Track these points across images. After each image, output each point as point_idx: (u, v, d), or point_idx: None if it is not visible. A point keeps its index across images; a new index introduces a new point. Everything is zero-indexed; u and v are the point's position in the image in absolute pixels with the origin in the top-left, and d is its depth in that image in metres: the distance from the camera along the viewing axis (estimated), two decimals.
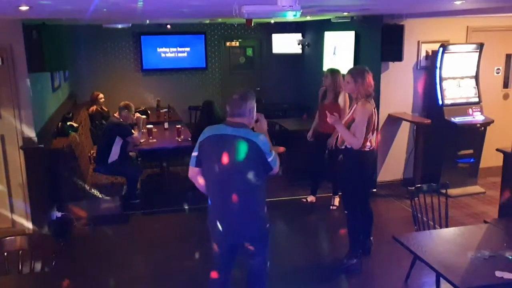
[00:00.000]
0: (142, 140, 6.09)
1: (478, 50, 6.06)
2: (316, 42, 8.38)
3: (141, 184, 6.12)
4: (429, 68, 6.19)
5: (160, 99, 8.50)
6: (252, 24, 7.02)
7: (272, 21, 8.15)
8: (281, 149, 6.23)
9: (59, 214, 5.30)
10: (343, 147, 4.11)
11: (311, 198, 5.91)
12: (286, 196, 6.21)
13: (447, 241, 3.18)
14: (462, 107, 6.05)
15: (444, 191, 3.91)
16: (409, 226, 4.19)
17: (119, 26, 7.22)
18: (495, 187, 5.90)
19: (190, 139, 6.11)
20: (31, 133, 4.96)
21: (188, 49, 9.27)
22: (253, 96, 3.02)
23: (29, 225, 5.10)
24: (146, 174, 6.81)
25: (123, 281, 4.22)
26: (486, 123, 6.04)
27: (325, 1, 4.00)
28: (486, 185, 6.29)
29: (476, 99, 6.15)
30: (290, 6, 2.77)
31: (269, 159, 2.89)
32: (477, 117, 6.07)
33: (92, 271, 4.39)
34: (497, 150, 4.63)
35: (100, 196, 5.48)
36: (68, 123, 5.86)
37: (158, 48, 9.11)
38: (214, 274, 3.13)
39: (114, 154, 5.69)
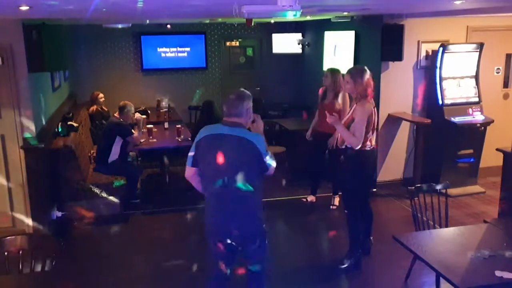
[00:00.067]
0: (142, 140, 6.10)
1: (478, 50, 6.06)
2: (316, 42, 8.38)
3: (141, 184, 6.12)
4: (429, 68, 6.19)
5: (160, 99, 8.51)
6: (252, 24, 7.03)
7: (272, 21, 8.15)
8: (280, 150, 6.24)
9: (59, 214, 5.30)
10: (343, 146, 4.11)
11: (311, 198, 5.91)
12: (286, 196, 6.21)
13: (447, 241, 3.18)
14: (462, 107, 6.05)
15: (444, 190, 3.91)
16: (409, 226, 4.18)
17: (119, 26, 7.23)
18: (495, 187, 5.90)
19: (190, 139, 6.11)
20: (31, 133, 4.96)
21: (188, 49, 9.27)
22: (249, 96, 3.02)
23: (29, 224, 5.10)
24: (146, 174, 6.81)
25: (123, 281, 4.22)
26: (486, 123, 6.04)
27: (325, 0, 4.00)
28: (486, 185, 6.29)
29: (476, 99, 6.15)
30: (290, 6, 2.77)
31: (266, 159, 2.89)
32: (477, 117, 6.07)
33: (92, 271, 4.39)
34: (497, 150, 4.64)
35: (100, 196, 5.48)
36: (68, 123, 5.86)
37: (158, 48, 9.11)
38: (212, 273, 3.14)
39: (114, 154, 5.69)
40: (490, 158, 5.82)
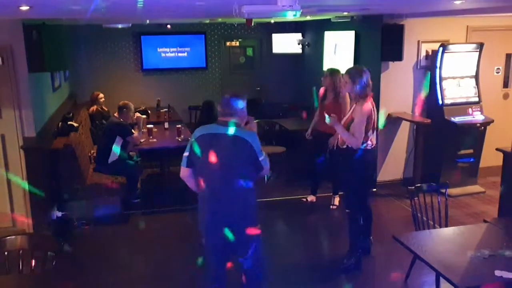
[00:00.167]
0: (142, 140, 6.10)
1: (478, 50, 6.06)
2: (316, 41, 8.38)
3: (141, 184, 6.12)
4: (429, 68, 6.19)
5: (160, 99, 8.51)
6: (252, 24, 7.02)
7: (272, 21, 8.15)
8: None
9: (59, 214, 5.30)
10: (344, 146, 4.12)
11: (311, 198, 5.91)
12: (286, 196, 6.21)
13: (447, 241, 3.18)
14: (462, 107, 6.05)
15: (444, 190, 3.92)
16: (409, 226, 4.18)
17: (119, 26, 7.22)
18: (495, 187, 5.90)
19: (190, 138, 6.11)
20: (31, 133, 4.96)
21: (188, 49, 9.27)
22: (244, 96, 3.04)
23: (29, 224, 5.10)
24: (146, 174, 6.81)
25: (123, 281, 4.22)
26: (486, 123, 6.04)
27: (325, 1, 4.00)
28: (486, 185, 6.29)
29: (476, 99, 6.16)
30: (290, 6, 2.77)
31: (261, 159, 2.90)
32: (477, 117, 6.07)
33: (92, 271, 4.39)
34: (497, 149, 4.64)
35: (100, 196, 5.48)
36: (68, 123, 5.86)
37: (158, 48, 9.11)
38: (207, 274, 3.14)
39: (114, 154, 5.69)
40: (490, 158, 5.82)
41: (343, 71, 4.84)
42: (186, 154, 3.00)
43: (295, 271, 4.29)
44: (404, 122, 6.30)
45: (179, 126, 6.42)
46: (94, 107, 7.44)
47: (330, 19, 7.03)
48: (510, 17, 6.04)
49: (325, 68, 7.33)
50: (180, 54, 9.25)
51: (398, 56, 5.91)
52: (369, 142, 4.02)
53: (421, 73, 6.28)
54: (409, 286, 3.98)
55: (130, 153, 6.18)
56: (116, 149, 5.65)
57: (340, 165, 4.34)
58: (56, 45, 5.20)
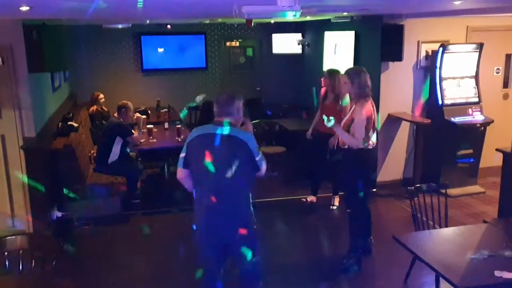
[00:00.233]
0: (142, 140, 6.10)
1: (478, 50, 6.07)
2: (316, 42, 8.38)
3: (141, 184, 6.13)
4: (429, 68, 6.20)
5: (160, 99, 8.51)
6: (252, 24, 7.03)
7: (272, 21, 8.16)
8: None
9: (59, 214, 5.30)
10: (345, 146, 4.13)
11: (311, 198, 5.91)
12: (286, 196, 6.21)
13: (446, 241, 3.19)
14: (462, 107, 6.05)
15: (443, 191, 3.92)
16: (409, 226, 4.19)
17: (119, 26, 7.23)
18: (495, 187, 5.90)
19: None
20: (31, 133, 4.96)
21: (188, 49, 9.27)
22: (240, 96, 3.02)
23: (29, 225, 5.10)
24: (146, 174, 6.82)
25: (123, 281, 4.23)
26: (486, 123, 6.04)
27: (325, 1, 4.00)
28: (486, 185, 6.29)
29: (476, 99, 6.16)
30: (289, 6, 2.77)
31: (257, 159, 2.90)
32: (477, 117, 6.07)
33: (92, 271, 4.39)
34: (497, 150, 4.64)
35: (100, 196, 5.49)
36: (68, 123, 5.87)
37: (158, 48, 9.11)
38: (203, 276, 3.14)
39: (114, 154, 5.70)
40: (490, 158, 5.82)
41: (343, 71, 4.85)
42: (182, 155, 2.99)
43: (295, 271, 4.29)
44: (404, 122, 6.30)
45: (179, 126, 6.42)
46: (94, 107, 7.44)
47: (330, 19, 7.03)
48: (510, 17, 6.04)
49: (325, 68, 7.33)
50: (180, 54, 9.25)
51: (398, 56, 5.91)
52: (370, 142, 4.03)
53: (421, 73, 6.28)
54: (409, 286, 3.98)
55: (130, 153, 6.18)
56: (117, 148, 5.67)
57: (341, 165, 4.35)
58: (56, 45, 5.20)
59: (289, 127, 7.35)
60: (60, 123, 5.85)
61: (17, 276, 2.98)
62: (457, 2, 3.80)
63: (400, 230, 4.58)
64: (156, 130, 6.59)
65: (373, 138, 4.08)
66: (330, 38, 7.57)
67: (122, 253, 4.76)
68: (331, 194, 5.83)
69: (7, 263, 2.98)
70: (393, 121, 6.30)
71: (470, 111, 6.07)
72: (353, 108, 4.07)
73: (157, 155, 6.46)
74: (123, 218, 5.55)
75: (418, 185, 3.93)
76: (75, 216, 5.34)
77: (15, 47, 4.80)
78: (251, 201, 3.02)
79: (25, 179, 4.96)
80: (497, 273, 2.60)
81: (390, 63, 6.12)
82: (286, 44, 9.06)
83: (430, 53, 6.17)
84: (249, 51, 9.88)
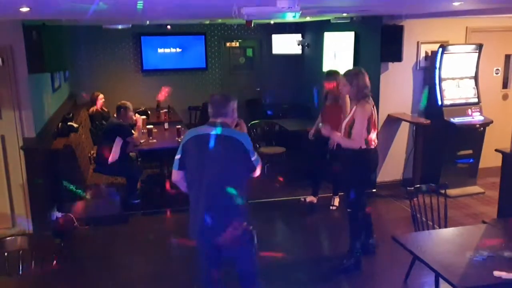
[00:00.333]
0: (142, 141, 6.10)
1: (477, 51, 6.07)
2: (316, 42, 8.38)
3: (141, 184, 6.13)
4: (428, 69, 6.20)
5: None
6: (252, 25, 7.02)
7: (272, 22, 8.16)
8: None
9: (59, 214, 5.31)
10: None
11: (310, 199, 5.90)
12: (286, 196, 6.22)
13: (446, 241, 3.19)
14: (462, 108, 6.06)
15: (443, 191, 3.92)
16: (408, 226, 4.20)
17: (119, 26, 7.23)
18: (494, 188, 5.90)
19: None
20: (31, 133, 4.97)
21: (188, 49, 9.28)
22: (235, 97, 3.04)
23: (29, 225, 5.11)
24: (146, 175, 6.82)
25: (123, 281, 4.23)
26: (485, 124, 6.04)
27: (324, 2, 4.01)
28: (485, 186, 6.30)
29: (476, 100, 6.16)
30: (289, 7, 2.78)
31: (253, 159, 2.90)
32: (476, 118, 6.07)
33: (92, 271, 4.40)
34: (496, 150, 4.64)
35: (100, 196, 5.49)
36: (68, 123, 5.87)
37: (158, 49, 9.12)
38: (202, 276, 3.14)
39: (114, 154, 5.69)
40: (490, 158, 5.83)
41: (343, 71, 4.86)
42: (178, 156, 2.98)
43: (295, 271, 4.29)
44: (403, 122, 6.30)
45: (179, 126, 6.43)
46: (94, 108, 7.44)
47: (329, 20, 7.04)
48: (509, 18, 6.05)
49: (324, 69, 7.34)
50: (180, 55, 9.25)
51: (398, 57, 5.92)
52: (372, 142, 4.05)
53: (420, 74, 6.29)
54: (409, 287, 3.99)
55: (130, 154, 6.18)
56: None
57: (341, 165, 4.36)
58: (56, 46, 5.21)
59: (289, 127, 7.36)
60: (60, 124, 5.85)
61: (17, 277, 2.98)
62: (456, 3, 3.81)
63: (400, 230, 4.59)
64: (156, 130, 6.59)
65: (374, 138, 4.10)
66: (330, 38, 7.57)
67: (122, 253, 4.77)
68: (331, 194, 5.84)
69: (6, 263, 2.99)
70: (392, 122, 6.31)
71: (469, 111, 6.07)
72: (354, 109, 4.08)
73: (157, 156, 6.46)
74: (123, 218, 5.55)
75: (418, 185, 3.94)
76: (75, 217, 5.34)
77: (15, 47, 4.80)
78: (247, 201, 3.02)
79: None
80: (496, 273, 2.60)
81: (390, 63, 6.12)
82: (286, 44, 9.07)
83: (429, 54, 6.18)
84: (249, 52, 9.88)
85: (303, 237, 5.17)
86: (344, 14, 6.05)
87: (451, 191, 5.79)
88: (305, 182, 6.23)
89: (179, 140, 6.18)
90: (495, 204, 4.81)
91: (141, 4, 3.36)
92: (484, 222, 3.64)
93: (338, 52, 7.29)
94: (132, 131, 5.91)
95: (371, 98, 4.07)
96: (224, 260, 3.15)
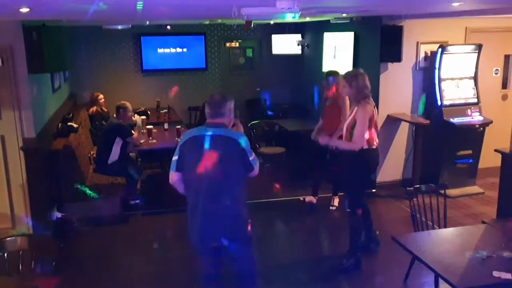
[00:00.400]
0: (142, 141, 6.11)
1: (477, 51, 6.08)
2: (315, 43, 8.39)
3: (141, 184, 6.13)
4: (428, 69, 6.21)
5: (160, 99, 8.52)
6: (252, 25, 7.03)
7: (272, 22, 8.17)
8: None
9: (59, 215, 5.31)
10: None
11: (309, 198, 5.90)
12: (286, 196, 6.22)
13: (445, 241, 3.20)
14: (461, 108, 6.06)
15: (442, 191, 3.93)
16: (408, 227, 4.20)
17: (119, 27, 7.23)
18: (493, 188, 5.91)
19: None
20: (31, 134, 4.97)
21: (188, 50, 9.28)
22: (232, 97, 3.04)
23: (29, 225, 5.11)
24: (146, 175, 6.82)
25: (123, 281, 4.23)
26: (485, 124, 6.05)
27: (323, 3, 4.01)
28: (485, 186, 6.30)
29: (475, 100, 6.17)
30: (288, 8, 2.78)
31: (251, 158, 2.91)
32: (476, 118, 6.08)
33: (92, 271, 4.40)
34: (496, 150, 4.65)
35: (100, 196, 5.49)
36: (68, 124, 5.87)
37: (158, 49, 9.13)
38: (200, 277, 3.15)
39: (114, 154, 5.70)
40: (489, 158, 5.83)
41: (342, 72, 4.87)
42: (175, 158, 2.98)
43: (295, 271, 4.30)
44: (403, 123, 6.31)
45: (179, 127, 6.43)
46: (94, 108, 7.45)
47: (329, 20, 7.04)
48: (508, 18, 6.06)
49: (324, 69, 7.35)
50: (180, 55, 9.26)
51: (397, 57, 5.93)
52: (374, 142, 4.07)
53: (420, 74, 6.29)
54: (409, 286, 3.99)
55: (130, 154, 6.19)
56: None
57: (342, 165, 4.37)
58: (56, 46, 5.21)
59: (289, 127, 7.36)
60: (60, 124, 5.86)
61: (17, 277, 2.98)
62: (455, 4, 3.81)
63: (399, 231, 4.59)
64: (155, 130, 6.59)
65: (375, 138, 4.11)
66: (330, 39, 7.57)
67: (122, 253, 4.77)
68: (331, 194, 5.84)
69: (6, 263, 2.99)
70: (392, 122, 6.31)
71: (469, 111, 6.08)
72: (355, 110, 4.09)
73: (157, 156, 6.46)
74: (123, 218, 5.56)
75: (417, 185, 3.95)
76: (75, 217, 5.34)
77: (15, 48, 4.80)
78: (245, 201, 3.02)
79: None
80: (496, 273, 2.61)
81: (389, 64, 6.13)
82: (285, 44, 9.07)
83: (429, 54, 6.18)
84: (249, 52, 9.89)
85: (303, 237, 5.17)
86: (344, 15, 6.06)
87: (451, 191, 5.79)
88: (305, 182, 6.23)
89: (179, 140, 6.18)
90: (495, 204, 4.82)
91: (141, 5, 3.36)
92: (483, 222, 3.64)
93: (338, 52, 7.30)
94: (132, 131, 5.91)
95: (371, 99, 4.08)
96: (224, 260, 3.15)
